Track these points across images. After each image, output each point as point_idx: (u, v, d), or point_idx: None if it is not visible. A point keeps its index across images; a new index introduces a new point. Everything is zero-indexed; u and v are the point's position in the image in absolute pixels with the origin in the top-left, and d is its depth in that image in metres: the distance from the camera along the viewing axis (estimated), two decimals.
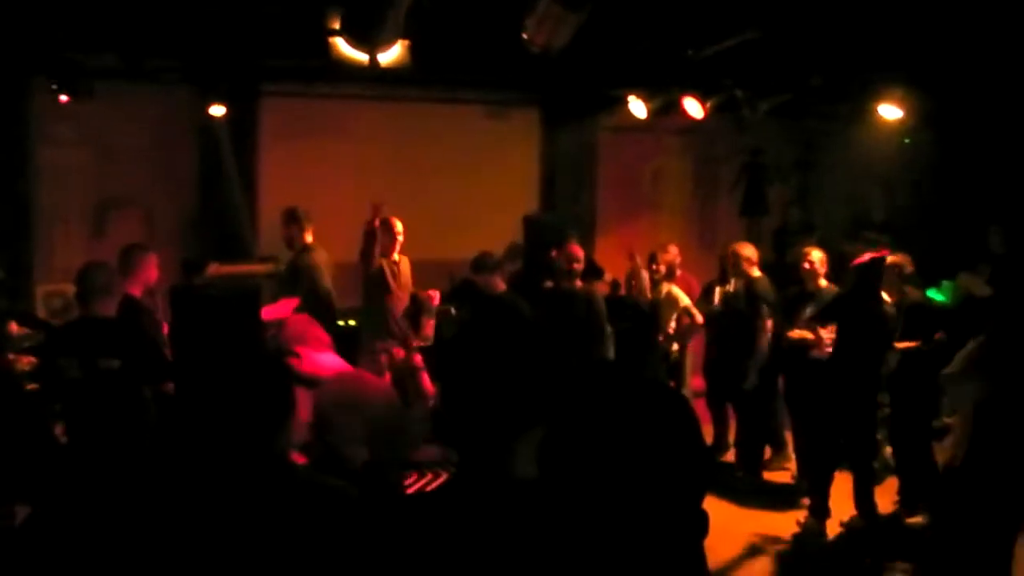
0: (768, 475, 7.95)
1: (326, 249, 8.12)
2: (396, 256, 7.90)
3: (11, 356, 5.74)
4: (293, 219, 8.00)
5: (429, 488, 3.93)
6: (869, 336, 6.64)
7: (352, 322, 8.52)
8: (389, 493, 3.22)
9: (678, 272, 8.45)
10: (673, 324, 8.15)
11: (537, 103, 10.60)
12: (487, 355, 1.95)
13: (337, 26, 5.90)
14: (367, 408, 3.23)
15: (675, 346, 8.35)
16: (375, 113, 9.78)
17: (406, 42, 6.45)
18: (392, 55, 6.24)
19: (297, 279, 7.78)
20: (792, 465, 7.85)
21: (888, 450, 7.43)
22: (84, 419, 5.11)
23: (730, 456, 8.16)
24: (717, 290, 8.05)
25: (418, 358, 7.87)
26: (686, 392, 8.40)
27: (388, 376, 7.59)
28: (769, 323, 7.63)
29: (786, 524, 6.89)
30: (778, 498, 7.48)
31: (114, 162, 9.14)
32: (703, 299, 8.26)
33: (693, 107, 8.45)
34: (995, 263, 8.28)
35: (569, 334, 7.31)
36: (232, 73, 8.46)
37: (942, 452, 6.04)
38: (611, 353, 7.69)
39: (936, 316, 7.07)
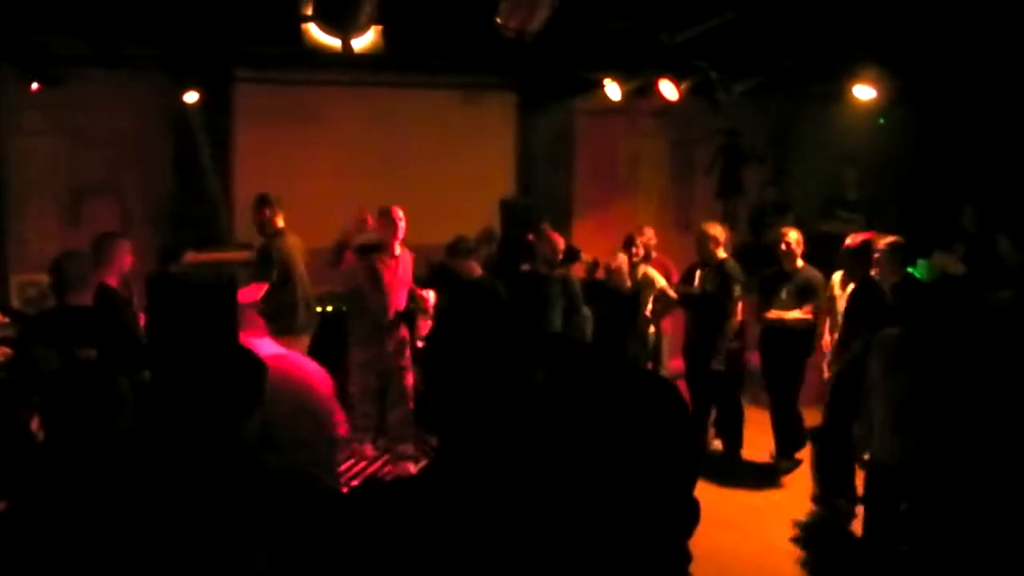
0: (746, 455, 8.00)
1: (302, 235, 8.08)
2: (397, 249, 7.71)
3: None
4: (264, 204, 7.92)
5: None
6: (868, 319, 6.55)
7: (330, 308, 8.52)
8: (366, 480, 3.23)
9: (654, 254, 8.47)
10: (650, 306, 8.18)
11: (513, 87, 10.58)
12: (465, 340, 1.96)
13: (310, 12, 5.86)
14: (270, 406, 3.15)
15: (651, 328, 8.38)
16: (350, 98, 9.73)
17: (379, 27, 6.41)
18: (366, 40, 6.20)
19: (268, 264, 7.69)
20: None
21: None
22: (61, 410, 5.08)
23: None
24: (698, 272, 8.08)
25: (407, 358, 7.74)
26: (663, 373, 8.43)
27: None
28: (740, 304, 7.68)
29: (767, 503, 6.95)
30: (757, 477, 7.54)
31: (87, 150, 9.05)
32: (684, 281, 8.28)
33: (668, 89, 8.46)
34: (969, 241, 8.35)
35: (545, 317, 7.34)
36: (205, 59, 8.39)
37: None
38: (588, 336, 7.73)
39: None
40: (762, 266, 8.17)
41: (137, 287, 6.59)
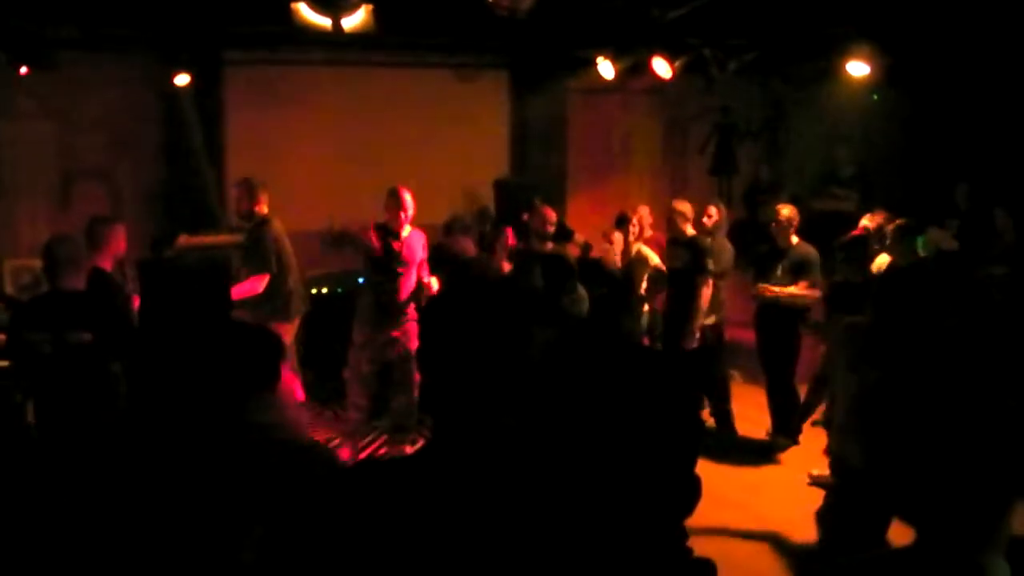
0: (742, 431, 8.01)
1: (295, 217, 7.99)
2: (405, 230, 7.16)
3: None
4: (253, 188, 7.66)
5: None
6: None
7: (325, 289, 8.49)
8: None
9: (649, 232, 8.45)
10: (644, 284, 8.17)
11: (505, 66, 10.55)
12: (457, 320, 1.94)
13: None
14: None
15: (646, 307, 8.37)
16: (342, 79, 9.69)
17: (370, 6, 6.37)
18: (356, 20, 6.16)
19: (266, 253, 7.49)
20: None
21: None
22: (54, 394, 5.07)
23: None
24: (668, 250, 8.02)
25: (414, 342, 7.28)
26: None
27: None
28: (710, 280, 7.67)
29: (764, 480, 6.96)
30: (753, 454, 7.55)
31: (78, 134, 9.03)
32: None
33: (661, 67, 8.42)
34: (962, 218, 8.35)
35: (540, 295, 7.32)
36: (195, 42, 8.35)
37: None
38: (583, 315, 7.72)
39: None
40: (756, 243, 8.15)
41: (130, 271, 6.56)
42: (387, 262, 7.14)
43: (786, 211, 7.59)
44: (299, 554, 2.47)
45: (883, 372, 4.73)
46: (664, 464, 1.52)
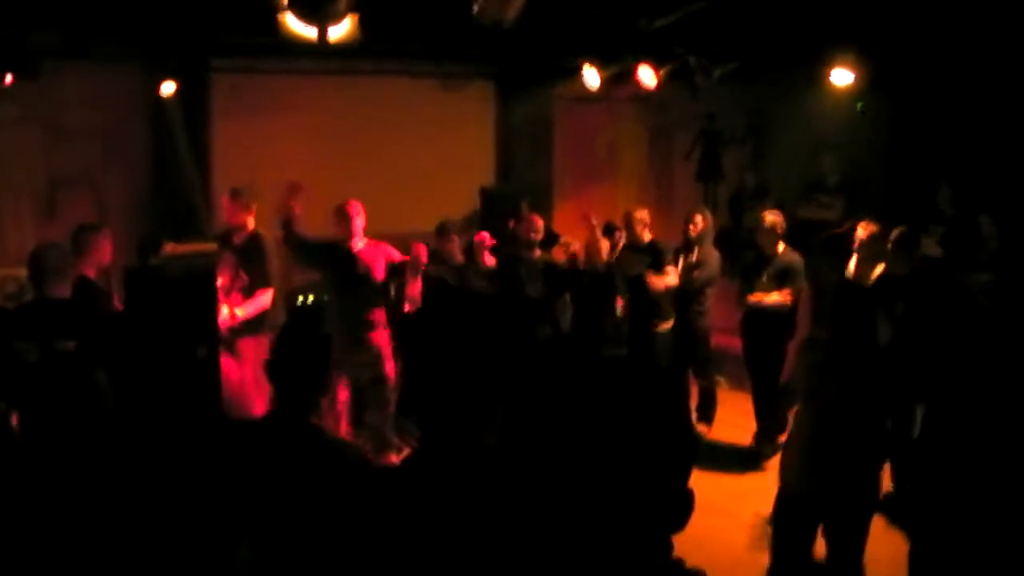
0: (728, 438, 8.03)
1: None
2: (358, 244, 6.96)
3: None
4: (245, 198, 7.55)
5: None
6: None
7: (311, 297, 8.45)
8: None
9: (648, 235, 8.44)
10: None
11: (491, 74, 10.57)
12: (447, 328, 1.96)
13: (286, 2, 5.81)
14: None
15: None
16: (328, 87, 9.70)
17: (356, 16, 6.38)
18: (342, 30, 6.17)
19: (267, 264, 7.25)
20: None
21: None
22: (41, 403, 5.05)
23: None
24: (681, 260, 8.05)
25: (386, 339, 6.97)
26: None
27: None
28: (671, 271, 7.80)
29: (749, 487, 6.98)
30: (740, 461, 7.57)
31: (64, 141, 9.00)
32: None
33: (647, 75, 8.45)
34: (946, 224, 8.38)
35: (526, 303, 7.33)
36: (181, 49, 8.34)
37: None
38: (568, 322, 7.75)
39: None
40: (742, 250, 8.18)
41: (116, 279, 6.53)
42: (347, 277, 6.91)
43: (770, 218, 7.61)
44: (317, 545, 2.49)
45: (840, 395, 4.59)
46: (656, 479, 1.52)
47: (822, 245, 7.09)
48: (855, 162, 10.53)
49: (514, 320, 6.14)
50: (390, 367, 6.94)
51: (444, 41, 8.45)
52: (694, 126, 10.32)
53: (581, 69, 8.91)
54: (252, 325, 7.16)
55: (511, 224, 8.18)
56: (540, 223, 7.93)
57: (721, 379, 8.79)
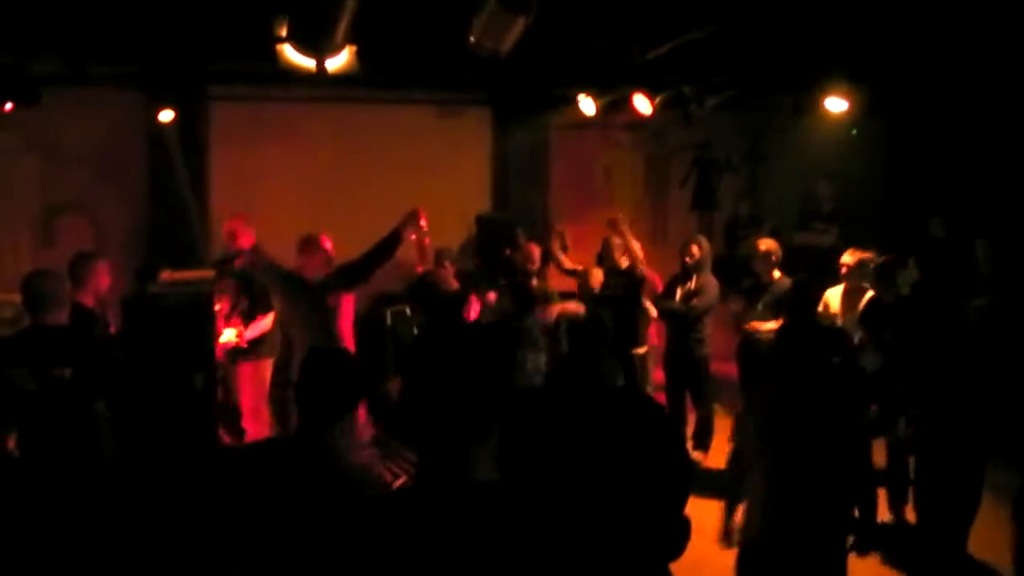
0: (724, 465, 8.00)
1: (278, 252, 7.98)
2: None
3: None
4: (245, 226, 7.54)
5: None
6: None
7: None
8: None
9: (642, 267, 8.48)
10: None
11: (487, 103, 10.62)
12: (443, 357, 1.98)
13: (284, 33, 5.85)
14: None
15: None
16: (326, 115, 9.74)
17: (354, 47, 6.42)
18: (340, 61, 6.21)
19: (266, 292, 7.21)
20: None
21: None
22: (38, 431, 5.05)
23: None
24: (679, 289, 8.07)
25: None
26: (650, 389, 8.40)
27: None
28: (649, 304, 7.88)
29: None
30: None
31: (61, 168, 9.03)
32: (665, 295, 8.23)
33: (642, 104, 8.51)
34: (930, 248, 8.43)
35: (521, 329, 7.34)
36: (179, 77, 8.38)
37: None
38: (563, 349, 7.76)
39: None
40: (738, 278, 8.20)
41: (113, 306, 6.53)
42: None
43: (764, 246, 7.65)
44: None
45: (793, 444, 4.36)
46: (652, 508, 1.52)
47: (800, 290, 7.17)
48: (850, 189, 10.58)
49: (510, 346, 6.15)
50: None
51: (441, 70, 8.51)
52: (689, 154, 10.38)
53: (577, 98, 8.98)
54: (252, 349, 7.19)
55: (507, 252, 8.20)
56: (537, 252, 7.97)
57: (717, 406, 8.79)
